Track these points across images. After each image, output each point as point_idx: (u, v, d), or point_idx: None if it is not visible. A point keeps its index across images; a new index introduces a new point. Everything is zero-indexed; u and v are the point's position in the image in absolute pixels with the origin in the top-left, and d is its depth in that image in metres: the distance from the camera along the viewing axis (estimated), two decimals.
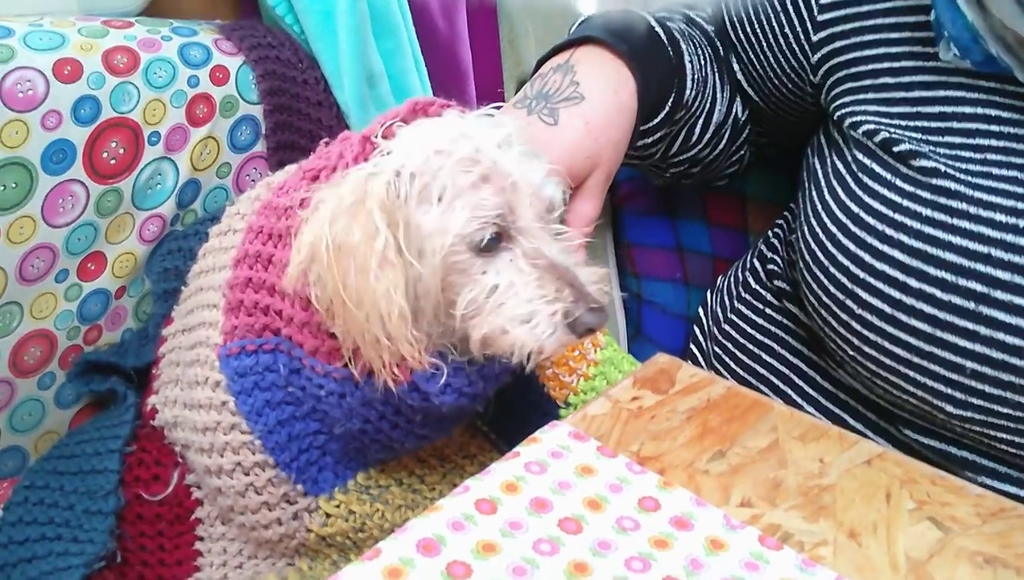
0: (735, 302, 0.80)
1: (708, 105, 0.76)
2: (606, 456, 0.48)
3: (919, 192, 0.57)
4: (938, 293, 0.56)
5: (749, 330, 0.77)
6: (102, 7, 0.83)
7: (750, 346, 0.76)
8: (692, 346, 0.86)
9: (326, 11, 0.86)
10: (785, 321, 0.74)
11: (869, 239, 0.59)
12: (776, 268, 0.76)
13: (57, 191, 0.72)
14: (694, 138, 0.77)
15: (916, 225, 0.57)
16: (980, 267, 0.54)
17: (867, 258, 0.59)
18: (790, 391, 0.72)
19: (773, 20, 0.70)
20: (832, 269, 0.61)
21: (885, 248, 0.58)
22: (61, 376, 0.77)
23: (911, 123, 0.60)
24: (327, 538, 0.62)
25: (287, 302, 0.55)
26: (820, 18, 0.65)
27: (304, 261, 0.51)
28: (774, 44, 0.70)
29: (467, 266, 0.51)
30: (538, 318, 0.50)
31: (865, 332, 0.59)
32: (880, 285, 0.58)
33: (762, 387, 0.74)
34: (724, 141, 0.80)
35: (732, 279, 0.83)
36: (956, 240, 0.55)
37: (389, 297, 0.49)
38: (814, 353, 0.71)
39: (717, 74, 0.77)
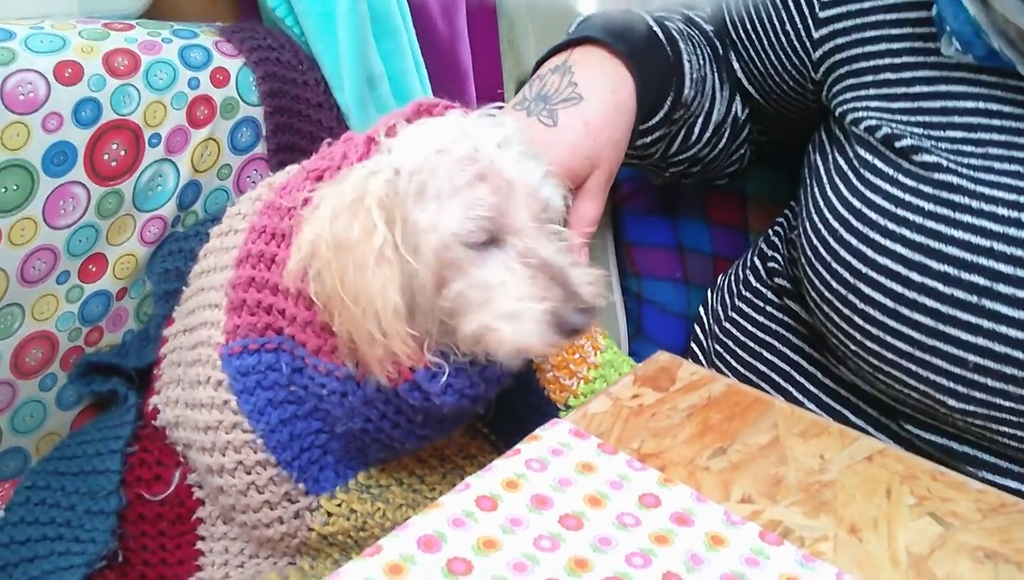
0: (736, 300, 0.80)
1: (707, 104, 0.76)
2: (607, 453, 0.48)
3: (921, 187, 0.58)
4: (941, 287, 0.56)
5: (750, 328, 0.77)
6: (103, 9, 0.83)
7: (751, 344, 0.76)
8: (693, 345, 0.86)
9: (326, 13, 0.87)
10: (786, 318, 0.74)
11: (871, 234, 0.59)
12: (777, 266, 0.76)
13: (58, 193, 0.72)
14: (693, 137, 0.77)
15: (918, 220, 0.57)
16: (983, 261, 0.55)
17: (869, 253, 0.59)
18: (791, 388, 0.72)
19: (774, 17, 0.70)
20: (834, 265, 0.61)
21: (887, 243, 0.58)
22: (62, 377, 0.78)
23: (913, 118, 0.60)
24: (329, 537, 0.62)
25: (290, 301, 0.55)
26: (821, 15, 0.66)
27: (304, 257, 0.51)
28: (775, 41, 0.71)
29: (461, 263, 0.51)
30: (524, 316, 0.49)
31: (867, 327, 0.59)
32: (883, 280, 0.58)
33: (763, 385, 0.74)
34: (724, 140, 0.80)
35: (733, 277, 0.83)
36: (958, 234, 0.55)
37: (384, 293, 0.49)
38: (815, 350, 0.71)
39: (716, 73, 0.77)
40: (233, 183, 0.86)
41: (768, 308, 0.76)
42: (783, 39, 0.70)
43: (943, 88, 0.59)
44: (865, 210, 0.60)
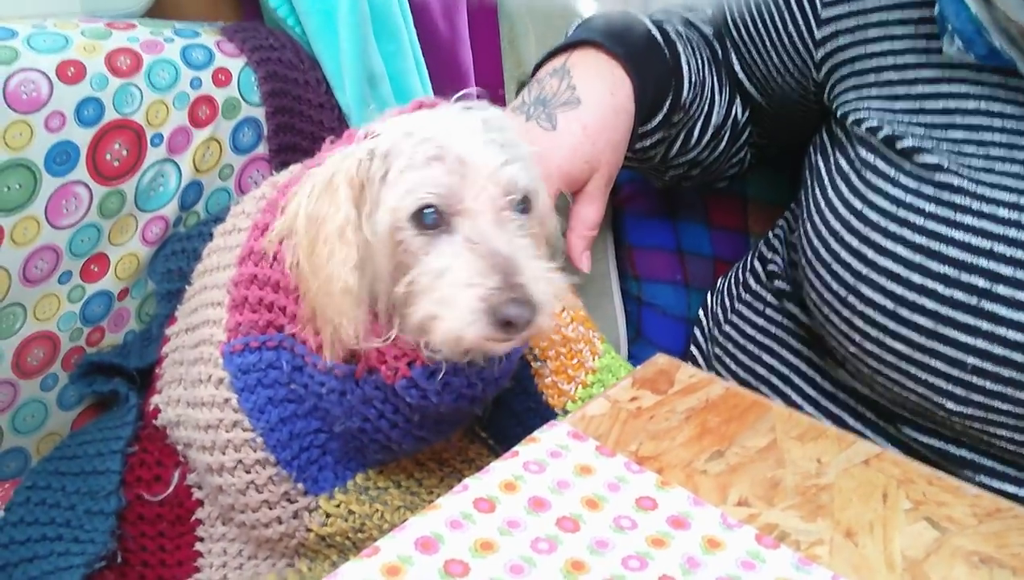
0: (735, 303, 0.80)
1: (706, 107, 0.76)
2: (605, 456, 0.48)
3: (922, 188, 0.58)
4: (940, 289, 0.56)
5: (749, 331, 0.77)
6: (105, 9, 0.83)
7: (750, 347, 0.76)
8: (692, 347, 0.86)
9: (327, 13, 0.87)
10: (785, 321, 0.74)
11: (872, 235, 0.59)
12: (776, 269, 0.76)
13: (60, 193, 0.72)
14: (693, 140, 0.77)
15: (919, 221, 0.57)
16: (983, 262, 0.55)
17: (870, 254, 0.59)
18: (790, 391, 0.72)
19: (776, 18, 0.70)
20: (835, 265, 0.61)
21: (888, 244, 0.58)
22: (64, 377, 0.78)
23: (914, 119, 0.60)
24: (327, 538, 0.62)
25: (291, 299, 0.56)
26: (823, 15, 0.66)
27: (282, 230, 0.53)
28: (777, 42, 0.71)
29: (412, 246, 0.50)
30: (458, 303, 0.48)
31: (867, 328, 0.60)
32: (883, 281, 0.58)
33: (762, 387, 0.74)
34: (723, 143, 0.80)
35: (732, 280, 0.83)
36: (959, 235, 0.56)
37: (339, 271, 0.50)
38: (814, 353, 0.71)
39: (715, 76, 0.77)
40: (235, 183, 0.86)
41: (768, 311, 0.76)
42: (785, 39, 0.70)
43: (945, 88, 0.59)
44: (866, 211, 0.60)
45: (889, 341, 0.59)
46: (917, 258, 0.57)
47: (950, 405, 0.57)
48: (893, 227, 0.58)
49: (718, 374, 0.78)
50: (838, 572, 0.41)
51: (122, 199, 0.77)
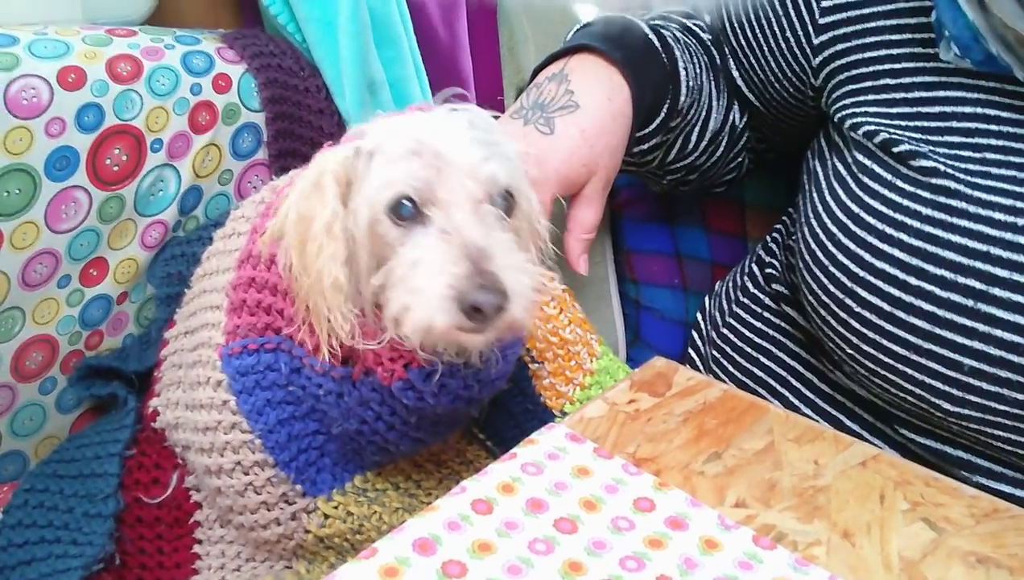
0: (733, 306, 0.81)
1: (704, 112, 0.77)
2: (602, 458, 0.48)
3: (919, 192, 0.58)
4: (937, 291, 0.56)
5: (747, 334, 0.77)
6: (106, 16, 0.84)
7: (748, 349, 0.77)
8: (690, 350, 0.86)
9: (327, 20, 0.87)
10: (783, 324, 0.74)
11: (869, 238, 0.59)
12: (774, 272, 0.76)
13: (60, 197, 0.72)
14: (691, 145, 0.78)
15: (916, 224, 0.58)
16: (979, 265, 0.55)
17: (867, 257, 0.59)
18: (787, 393, 0.72)
19: (775, 24, 0.70)
20: (832, 268, 0.62)
21: (885, 247, 0.59)
22: (62, 381, 0.78)
23: (911, 123, 0.60)
24: (325, 539, 0.62)
25: (288, 301, 0.56)
26: (822, 21, 0.66)
27: (275, 229, 0.53)
28: (775, 48, 0.71)
29: (389, 238, 0.50)
30: (428, 291, 0.47)
31: (864, 330, 0.60)
32: (880, 283, 0.58)
33: (760, 390, 0.74)
34: (721, 148, 0.81)
35: (730, 284, 0.84)
36: (956, 238, 0.56)
37: (327, 267, 0.50)
38: (811, 356, 0.71)
39: (713, 82, 0.78)
40: (234, 188, 0.86)
41: (765, 314, 0.76)
42: (783, 45, 0.70)
43: (942, 93, 0.60)
44: (863, 215, 0.60)
45: (886, 343, 0.59)
46: (914, 261, 0.57)
47: (947, 406, 0.58)
48: (890, 230, 0.59)
49: (716, 377, 0.78)
50: (835, 573, 0.41)
51: (121, 204, 0.77)
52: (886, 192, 0.60)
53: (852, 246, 0.61)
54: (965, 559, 0.43)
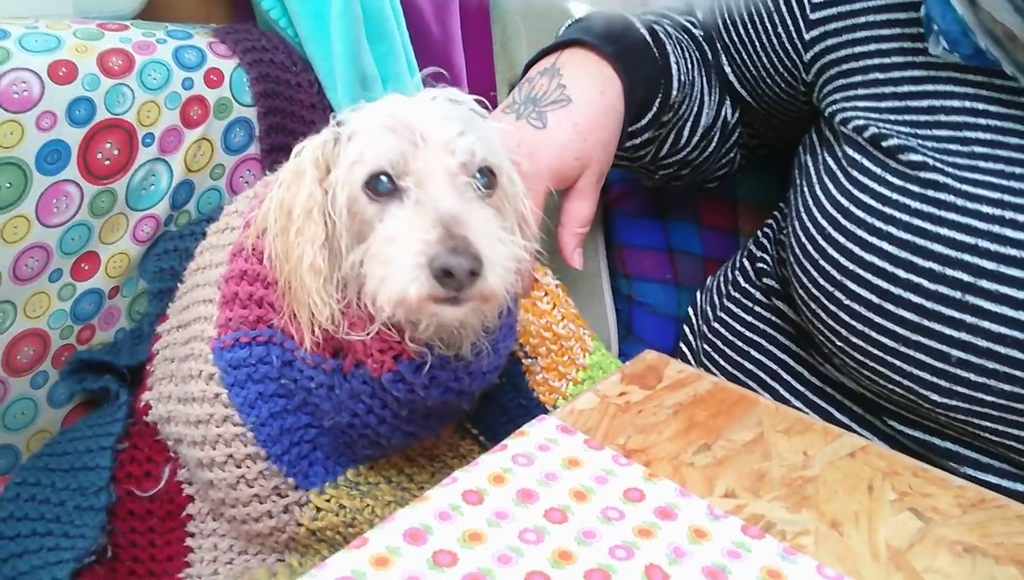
0: (724, 300, 0.81)
1: (696, 108, 0.77)
2: (593, 449, 0.49)
3: (908, 186, 0.58)
4: (926, 283, 0.57)
5: (738, 327, 0.78)
6: (98, 10, 0.84)
7: (739, 343, 0.77)
8: (681, 344, 0.86)
9: (320, 15, 0.87)
10: (773, 318, 0.75)
11: (859, 232, 0.60)
12: (765, 266, 0.77)
13: (51, 191, 0.72)
14: (683, 140, 0.78)
15: (905, 217, 0.58)
16: (967, 257, 0.55)
17: (857, 250, 0.60)
18: (777, 386, 0.72)
19: (767, 20, 0.71)
20: (822, 262, 0.62)
21: (874, 240, 0.59)
22: (54, 375, 0.78)
23: (900, 117, 0.61)
24: (317, 532, 0.62)
25: (278, 293, 0.56)
26: (813, 16, 0.66)
27: (260, 222, 0.53)
28: (767, 44, 0.71)
29: (367, 215, 0.50)
30: (400, 260, 0.46)
31: (853, 322, 0.60)
32: (869, 276, 0.59)
33: (750, 382, 0.74)
34: (713, 144, 0.81)
35: (722, 278, 0.84)
36: (944, 231, 0.56)
37: (306, 250, 0.50)
38: (801, 349, 0.71)
39: (705, 77, 0.78)
40: (226, 183, 0.86)
41: (756, 308, 0.77)
42: (775, 41, 0.70)
43: (930, 88, 0.60)
44: (853, 208, 0.61)
45: (875, 335, 0.59)
46: (903, 254, 0.58)
47: (934, 397, 0.58)
48: (879, 224, 0.59)
49: (707, 370, 0.79)
50: (823, 562, 0.41)
51: (113, 198, 0.77)
52: (876, 186, 0.60)
53: (842, 240, 0.61)
54: (952, 548, 0.43)
